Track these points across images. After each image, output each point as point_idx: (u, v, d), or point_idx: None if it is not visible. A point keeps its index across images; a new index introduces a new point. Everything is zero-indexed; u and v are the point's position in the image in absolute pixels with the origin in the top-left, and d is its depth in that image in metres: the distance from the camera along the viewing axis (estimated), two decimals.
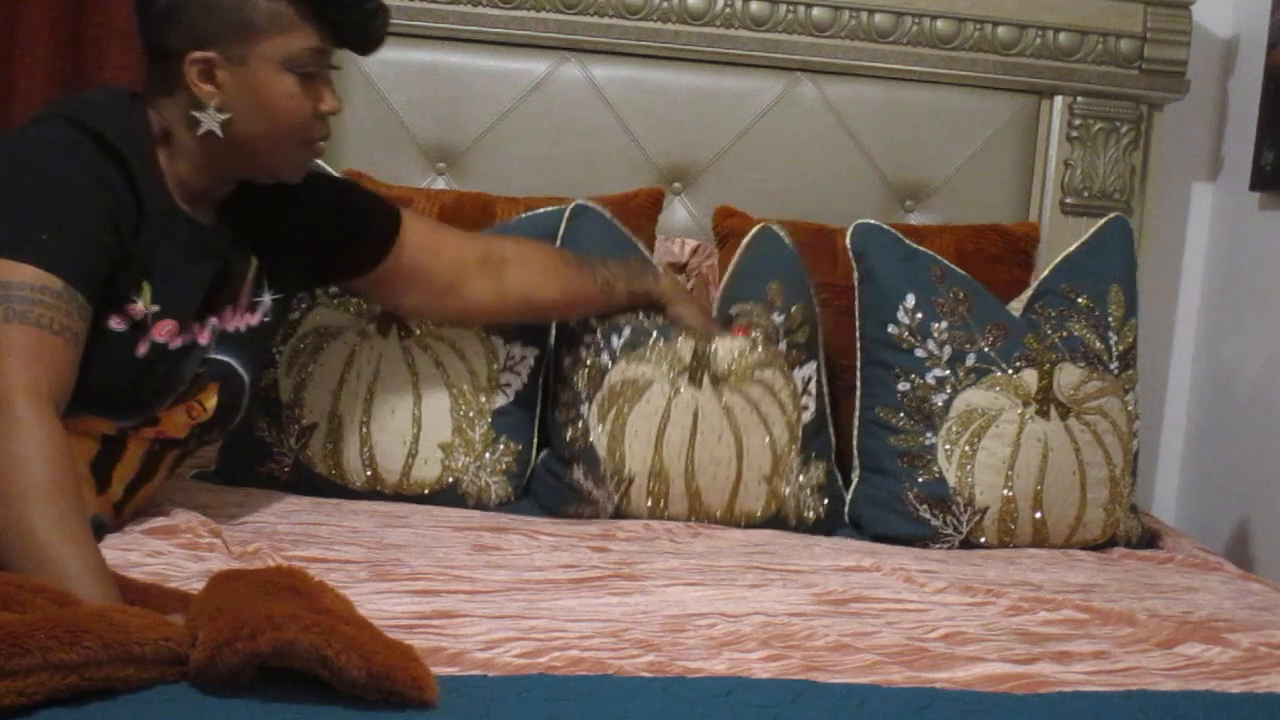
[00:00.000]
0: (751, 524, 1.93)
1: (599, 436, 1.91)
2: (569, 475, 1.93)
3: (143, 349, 1.55)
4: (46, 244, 1.43)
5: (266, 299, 1.73)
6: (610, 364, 1.92)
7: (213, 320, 1.65)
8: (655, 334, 1.93)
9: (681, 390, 1.91)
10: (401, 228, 1.82)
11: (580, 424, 1.92)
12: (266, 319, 1.74)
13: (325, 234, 1.77)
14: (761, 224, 2.09)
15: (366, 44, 1.66)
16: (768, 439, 1.92)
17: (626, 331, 1.93)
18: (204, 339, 1.64)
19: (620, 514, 1.92)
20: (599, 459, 1.91)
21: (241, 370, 1.69)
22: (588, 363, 1.93)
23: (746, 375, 1.92)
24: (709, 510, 1.92)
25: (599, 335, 1.93)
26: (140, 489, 1.68)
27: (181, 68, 1.55)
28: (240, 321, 1.69)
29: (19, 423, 1.34)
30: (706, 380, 1.91)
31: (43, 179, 1.48)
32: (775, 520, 1.93)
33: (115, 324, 1.53)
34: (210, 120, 1.56)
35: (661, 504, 1.91)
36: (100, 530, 1.61)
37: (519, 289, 1.90)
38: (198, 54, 1.54)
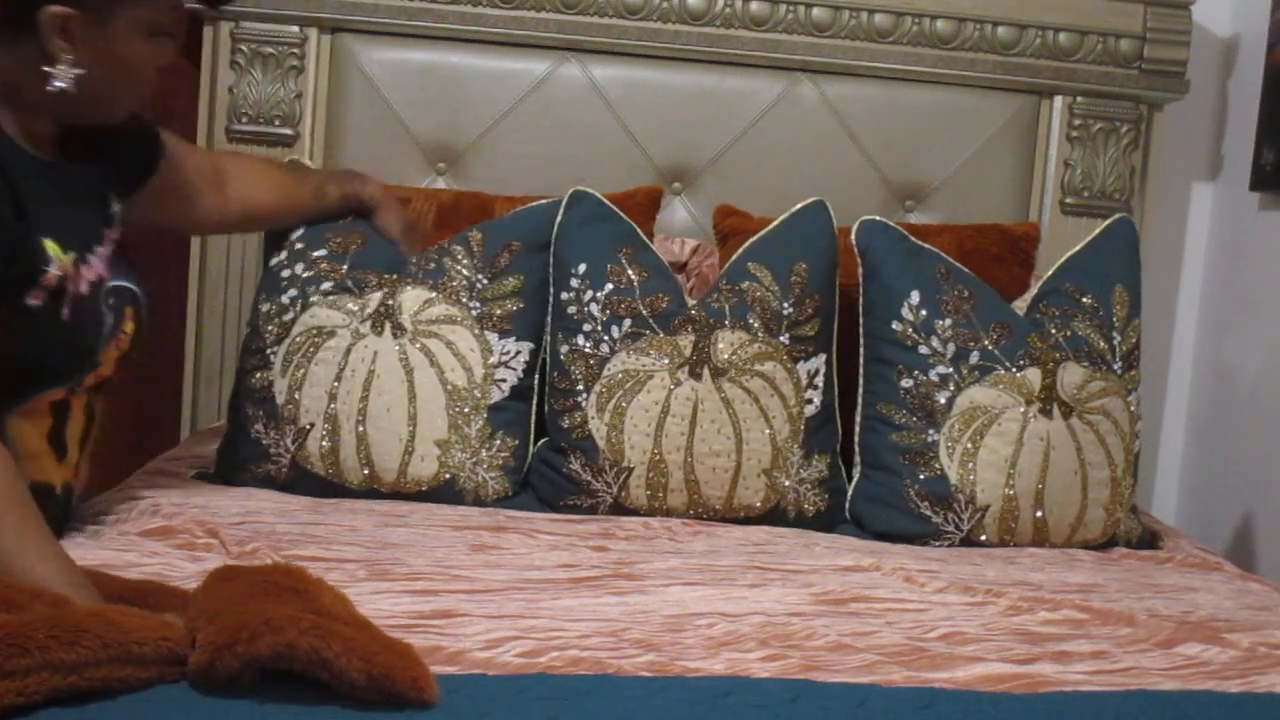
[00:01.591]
0: (751, 516, 1.93)
1: (597, 427, 1.91)
2: (567, 466, 1.93)
3: (66, 311, 1.52)
4: None
5: (116, 209, 1.70)
6: (610, 354, 1.92)
7: (100, 249, 1.61)
8: (656, 326, 1.92)
9: (682, 382, 1.91)
10: (163, 137, 1.82)
11: (578, 414, 1.92)
12: (121, 227, 1.71)
13: (118, 139, 1.72)
14: (818, 198, 2.06)
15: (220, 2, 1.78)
16: (768, 431, 1.92)
17: (627, 323, 1.93)
18: (104, 271, 1.61)
19: (619, 505, 1.92)
20: (598, 449, 1.91)
21: (133, 286, 1.67)
22: (586, 352, 1.93)
23: (747, 368, 1.92)
24: (708, 502, 1.92)
25: (599, 325, 1.93)
26: (88, 440, 1.67)
27: (35, 18, 1.48)
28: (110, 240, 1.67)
29: None
30: (707, 372, 1.91)
31: None
32: (774, 513, 1.94)
33: (34, 300, 1.49)
34: (64, 77, 1.51)
35: (660, 495, 1.91)
36: (70, 498, 1.61)
37: (239, 199, 1.97)
38: (58, 9, 1.48)
